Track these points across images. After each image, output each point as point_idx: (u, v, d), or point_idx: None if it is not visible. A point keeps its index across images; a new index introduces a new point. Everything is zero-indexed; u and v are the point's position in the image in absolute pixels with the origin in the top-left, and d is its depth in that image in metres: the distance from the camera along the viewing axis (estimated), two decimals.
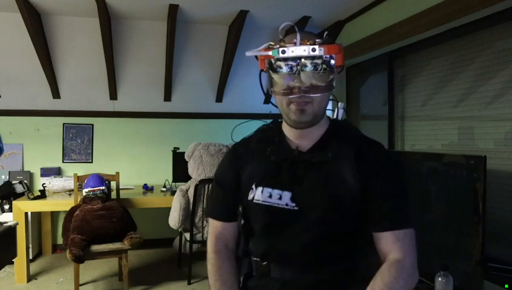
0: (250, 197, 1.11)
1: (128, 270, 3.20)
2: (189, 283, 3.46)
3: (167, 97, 4.49)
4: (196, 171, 3.55)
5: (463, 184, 1.79)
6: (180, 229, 3.59)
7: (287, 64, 0.98)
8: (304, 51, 0.97)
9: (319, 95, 1.01)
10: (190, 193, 3.43)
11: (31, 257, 3.79)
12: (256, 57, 1.05)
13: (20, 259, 3.31)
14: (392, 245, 1.01)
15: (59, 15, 3.71)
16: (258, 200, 1.09)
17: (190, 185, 3.49)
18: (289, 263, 1.08)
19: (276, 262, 1.10)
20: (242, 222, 1.16)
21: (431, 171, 2.05)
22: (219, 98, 4.63)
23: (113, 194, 3.67)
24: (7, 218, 3.45)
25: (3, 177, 4.23)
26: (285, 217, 1.06)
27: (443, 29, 2.59)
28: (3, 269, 2.90)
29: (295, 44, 0.98)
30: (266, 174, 1.10)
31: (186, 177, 3.68)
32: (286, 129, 1.14)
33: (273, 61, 0.99)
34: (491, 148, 2.38)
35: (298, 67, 0.97)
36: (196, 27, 3.97)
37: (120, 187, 3.75)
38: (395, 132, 3.33)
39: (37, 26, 3.60)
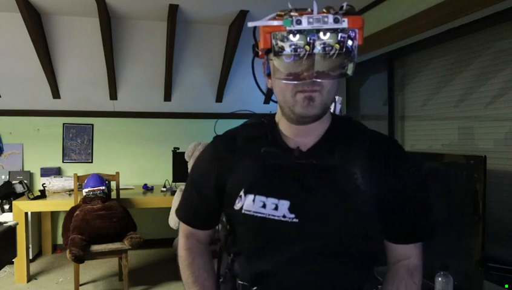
0: (237, 206, 0.91)
1: (127, 270, 3.20)
2: None
3: (167, 97, 4.49)
4: None
5: (463, 184, 1.78)
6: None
7: (294, 45, 0.77)
8: (325, 22, 0.76)
9: (330, 81, 0.82)
10: None
11: (31, 257, 3.79)
12: (253, 35, 0.85)
13: (20, 259, 3.31)
14: (412, 251, 0.95)
15: (59, 15, 3.71)
16: (249, 210, 0.89)
17: None
18: (285, 288, 0.89)
19: (269, 287, 0.91)
20: (225, 235, 0.98)
21: (431, 171, 2.05)
22: (219, 98, 4.63)
23: (113, 194, 3.67)
24: (7, 218, 3.45)
25: (3, 177, 4.23)
26: (282, 232, 0.87)
27: (443, 29, 2.59)
28: (3, 269, 2.90)
29: (311, 13, 0.77)
30: (259, 179, 0.89)
31: (186, 177, 3.67)
32: (282, 125, 0.93)
33: (274, 42, 0.78)
34: (491, 148, 2.38)
35: (307, 47, 0.77)
36: (196, 27, 3.97)
37: (120, 187, 3.75)
38: (395, 132, 3.33)
39: (37, 26, 3.60)
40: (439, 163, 2.02)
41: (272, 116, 0.98)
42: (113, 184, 3.78)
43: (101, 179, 3.41)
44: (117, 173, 3.67)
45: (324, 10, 0.78)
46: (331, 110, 1.00)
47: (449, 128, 2.73)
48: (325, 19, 0.76)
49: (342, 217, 0.86)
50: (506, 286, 1.82)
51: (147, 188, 4.24)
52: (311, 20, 0.76)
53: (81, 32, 3.85)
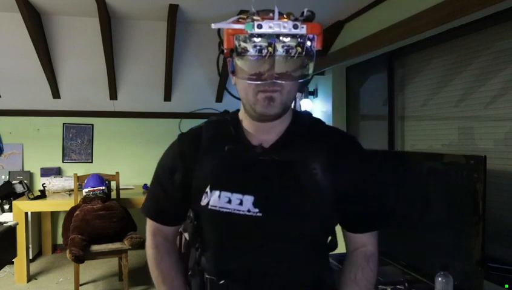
0: (203, 202, 0.93)
1: (127, 270, 3.20)
2: None
3: (167, 97, 4.49)
4: None
5: (463, 184, 1.78)
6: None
7: (256, 46, 0.81)
8: (284, 27, 0.80)
9: (289, 83, 0.86)
10: None
11: (31, 257, 3.80)
12: (218, 35, 0.89)
13: (20, 259, 3.32)
14: (368, 240, 1.01)
15: (59, 15, 3.71)
16: (215, 206, 0.91)
17: None
18: (251, 281, 0.93)
19: (236, 280, 0.93)
20: (193, 231, 1.00)
21: (431, 171, 2.05)
22: (219, 98, 4.63)
23: (113, 194, 3.68)
24: (7, 218, 3.45)
25: (3, 177, 4.23)
26: (247, 226, 0.91)
27: (443, 29, 2.59)
28: (3, 269, 2.90)
29: (272, 19, 0.81)
30: (223, 176, 0.93)
31: None
32: (245, 122, 0.97)
33: (237, 43, 0.83)
34: (491, 148, 2.38)
35: (270, 49, 0.81)
36: (196, 27, 3.97)
37: (120, 187, 3.75)
38: (395, 132, 3.32)
39: (37, 26, 3.60)
40: (439, 163, 2.02)
41: (235, 113, 1.01)
42: (113, 184, 3.78)
43: (101, 179, 3.41)
44: (117, 173, 3.67)
45: (285, 16, 0.82)
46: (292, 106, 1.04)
47: (449, 128, 2.73)
48: (285, 25, 0.80)
49: (303, 210, 0.91)
50: (506, 286, 1.82)
51: (147, 188, 4.23)
52: (271, 25, 0.80)
53: (81, 32, 3.85)
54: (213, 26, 0.86)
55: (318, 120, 1.02)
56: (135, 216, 3.46)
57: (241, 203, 0.90)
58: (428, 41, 2.85)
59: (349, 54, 3.48)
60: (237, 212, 0.90)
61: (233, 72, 0.90)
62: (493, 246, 2.18)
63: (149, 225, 1.08)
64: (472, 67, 2.53)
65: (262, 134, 0.95)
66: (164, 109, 4.58)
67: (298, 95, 1.08)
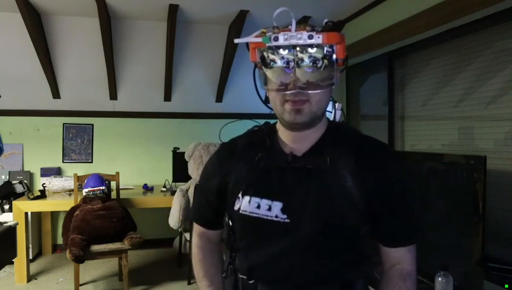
0: (236, 207, 0.98)
1: (127, 270, 3.20)
2: (189, 283, 3.46)
3: (167, 97, 4.49)
4: (197, 171, 3.55)
5: (463, 184, 1.78)
6: (180, 229, 3.59)
7: (282, 58, 0.86)
8: (300, 38, 0.84)
9: (317, 92, 0.88)
10: (190, 193, 3.43)
11: (31, 257, 3.79)
12: (247, 48, 0.92)
13: (20, 259, 3.31)
14: (404, 256, 0.97)
15: (59, 15, 3.71)
16: (245, 211, 0.96)
17: (190, 185, 3.49)
18: (279, 282, 0.96)
19: (265, 281, 0.98)
20: (228, 233, 1.05)
21: (431, 171, 2.05)
22: (219, 98, 4.63)
23: (113, 194, 3.67)
24: (7, 218, 3.45)
25: (3, 177, 4.23)
26: (275, 231, 0.94)
27: (443, 29, 2.59)
28: (3, 269, 2.90)
29: (290, 31, 0.85)
30: (254, 182, 0.97)
31: (186, 177, 3.68)
32: (281, 131, 1.01)
33: (266, 54, 0.87)
34: (491, 148, 2.38)
35: (295, 61, 0.85)
36: (196, 27, 3.97)
37: (120, 187, 3.75)
38: (395, 132, 3.33)
39: (37, 26, 3.60)
40: (439, 163, 2.02)
41: (273, 124, 1.06)
42: (113, 184, 3.78)
43: (101, 179, 3.41)
44: (117, 173, 3.67)
45: (302, 27, 0.86)
46: (331, 118, 1.05)
47: (449, 128, 2.73)
48: (299, 36, 0.84)
49: (331, 218, 0.92)
50: (506, 286, 1.82)
51: (147, 188, 4.23)
52: (286, 37, 0.84)
53: (81, 32, 3.85)
54: (235, 41, 0.91)
55: (352, 129, 1.04)
56: (135, 216, 3.45)
57: (269, 209, 0.94)
58: (428, 41, 2.85)
59: (349, 54, 3.47)
60: (265, 217, 0.94)
61: (265, 84, 0.94)
62: (493, 246, 2.18)
63: (195, 226, 1.17)
64: (472, 67, 2.53)
65: (296, 143, 0.98)
66: (164, 109, 4.58)
67: (338, 105, 1.10)
